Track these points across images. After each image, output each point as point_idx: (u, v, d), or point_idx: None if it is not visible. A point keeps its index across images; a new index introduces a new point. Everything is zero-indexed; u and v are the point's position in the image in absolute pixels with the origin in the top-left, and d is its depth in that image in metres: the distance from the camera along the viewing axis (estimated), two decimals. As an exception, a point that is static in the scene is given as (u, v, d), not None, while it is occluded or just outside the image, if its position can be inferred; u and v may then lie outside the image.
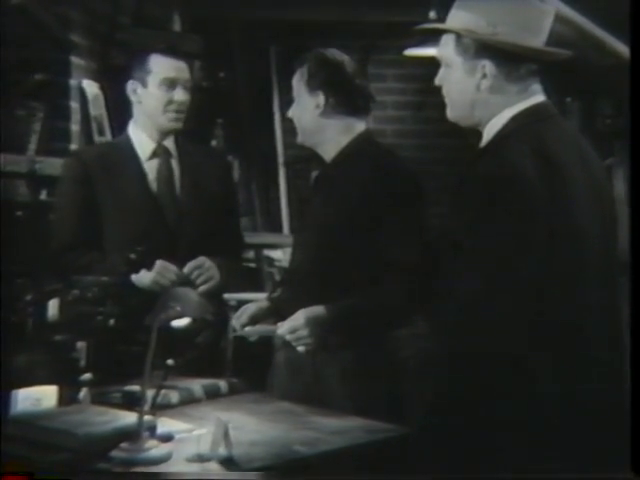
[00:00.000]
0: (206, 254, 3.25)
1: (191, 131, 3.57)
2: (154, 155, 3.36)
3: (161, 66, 3.31)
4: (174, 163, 3.37)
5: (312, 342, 2.85)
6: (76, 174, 3.37)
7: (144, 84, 3.32)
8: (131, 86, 3.34)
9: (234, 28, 5.74)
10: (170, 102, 3.31)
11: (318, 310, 2.86)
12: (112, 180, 3.32)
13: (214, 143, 5.55)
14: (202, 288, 3.18)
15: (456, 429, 2.21)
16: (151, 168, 3.35)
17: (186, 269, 3.21)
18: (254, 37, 5.75)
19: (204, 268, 3.23)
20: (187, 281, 3.19)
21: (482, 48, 2.34)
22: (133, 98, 3.35)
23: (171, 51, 3.35)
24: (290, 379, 2.98)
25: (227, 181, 3.58)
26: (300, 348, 2.87)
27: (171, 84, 3.30)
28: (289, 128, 5.00)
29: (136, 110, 3.38)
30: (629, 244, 2.41)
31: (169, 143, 3.38)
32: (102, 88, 4.40)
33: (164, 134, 3.36)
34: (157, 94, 3.31)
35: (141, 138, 3.36)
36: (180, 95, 3.31)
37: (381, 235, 2.89)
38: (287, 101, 3.15)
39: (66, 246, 3.30)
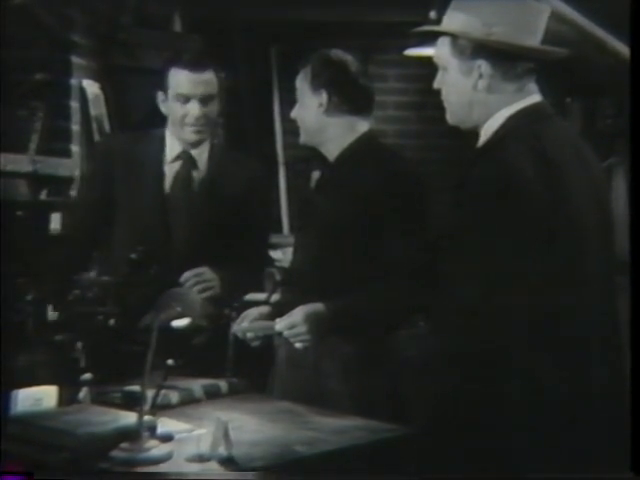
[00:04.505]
0: (210, 264, 3.24)
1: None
2: (177, 159, 3.35)
3: (176, 81, 3.29)
4: (195, 172, 3.34)
5: (310, 339, 2.85)
6: (99, 167, 3.45)
7: (166, 97, 3.32)
8: (160, 97, 3.35)
9: (235, 28, 5.73)
10: (186, 116, 3.29)
11: (317, 307, 2.85)
12: (131, 176, 3.34)
13: (215, 142, 5.54)
14: (200, 296, 3.15)
15: (456, 429, 2.21)
16: (171, 171, 3.35)
17: (184, 275, 3.21)
18: (255, 37, 5.75)
19: (203, 277, 3.22)
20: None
21: (478, 48, 2.34)
22: (162, 109, 3.36)
23: (191, 64, 3.30)
24: (291, 377, 2.98)
25: (257, 197, 3.45)
26: (298, 344, 2.86)
27: (185, 99, 3.28)
28: (289, 128, 5.00)
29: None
30: (629, 244, 2.41)
31: (197, 152, 3.36)
32: (102, 88, 4.41)
33: (189, 144, 3.35)
34: (174, 108, 3.31)
35: (172, 140, 3.36)
36: (195, 109, 3.28)
37: (383, 235, 2.90)
38: (288, 101, 3.16)
39: (77, 239, 3.35)
